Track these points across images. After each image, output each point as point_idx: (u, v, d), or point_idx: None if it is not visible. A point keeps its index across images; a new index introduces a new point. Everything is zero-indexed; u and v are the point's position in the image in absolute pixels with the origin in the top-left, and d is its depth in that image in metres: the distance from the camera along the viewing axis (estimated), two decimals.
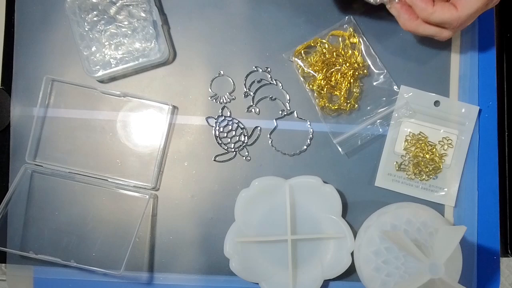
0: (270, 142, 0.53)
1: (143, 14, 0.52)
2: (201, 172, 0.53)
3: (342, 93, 0.52)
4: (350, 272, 0.51)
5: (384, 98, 0.53)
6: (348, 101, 0.52)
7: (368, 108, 0.53)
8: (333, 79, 0.52)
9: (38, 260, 0.51)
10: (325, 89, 0.52)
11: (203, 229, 0.53)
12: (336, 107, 0.52)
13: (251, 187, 0.51)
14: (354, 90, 0.52)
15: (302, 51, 0.53)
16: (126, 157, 0.53)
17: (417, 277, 0.43)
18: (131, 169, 0.53)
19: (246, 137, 0.53)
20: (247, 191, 0.51)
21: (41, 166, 0.52)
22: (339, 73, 0.52)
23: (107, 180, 0.52)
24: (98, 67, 0.52)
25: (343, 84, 0.52)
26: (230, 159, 0.53)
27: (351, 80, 0.52)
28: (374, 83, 0.53)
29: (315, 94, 0.52)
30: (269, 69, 0.53)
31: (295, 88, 0.53)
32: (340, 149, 0.52)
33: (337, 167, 0.53)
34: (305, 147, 0.53)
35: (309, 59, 0.53)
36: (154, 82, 0.54)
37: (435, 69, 0.53)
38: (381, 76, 0.53)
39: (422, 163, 0.52)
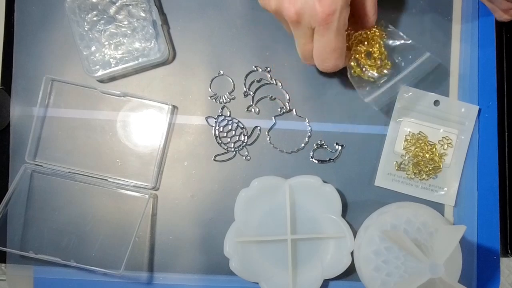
0: (268, 139, 0.53)
1: (142, 14, 0.52)
2: (201, 172, 0.53)
3: (376, 55, 0.50)
4: (350, 272, 0.51)
5: (410, 57, 0.52)
6: (380, 62, 0.51)
7: (397, 64, 0.52)
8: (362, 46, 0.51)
9: (38, 260, 0.51)
10: (360, 54, 0.51)
11: (203, 229, 0.53)
12: (371, 67, 0.50)
13: (251, 187, 0.51)
14: (381, 51, 0.51)
15: None
16: (126, 157, 0.53)
17: (417, 277, 0.43)
18: (131, 169, 0.53)
19: (246, 136, 0.53)
20: (247, 191, 0.51)
21: (41, 166, 0.52)
22: (367, 38, 0.51)
23: (107, 180, 0.52)
24: (98, 66, 0.52)
25: (375, 47, 0.51)
26: (230, 158, 0.53)
27: (379, 41, 0.51)
28: (397, 43, 0.52)
29: (351, 64, 0.51)
30: (268, 68, 0.53)
31: (295, 88, 0.53)
32: (374, 107, 0.52)
33: (337, 167, 0.53)
34: (302, 145, 0.53)
35: None
36: (154, 82, 0.54)
37: (435, 69, 0.53)
38: (402, 41, 0.52)
39: (422, 163, 0.52)
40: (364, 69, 0.50)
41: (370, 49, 0.50)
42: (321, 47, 0.45)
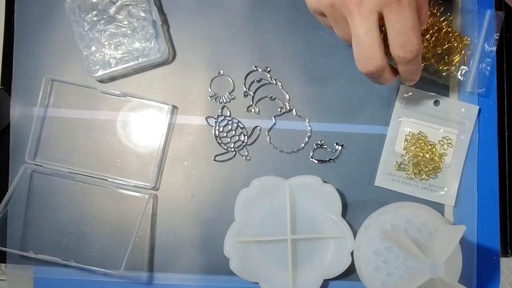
0: (268, 139, 0.53)
1: (142, 14, 0.52)
2: (201, 172, 0.53)
3: (458, 43, 0.52)
4: (350, 272, 0.51)
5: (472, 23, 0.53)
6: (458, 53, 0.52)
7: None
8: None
9: (38, 260, 0.51)
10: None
11: (203, 229, 0.53)
12: (458, 58, 0.52)
13: (251, 187, 0.51)
14: (458, 40, 0.52)
15: None
16: (126, 157, 0.53)
17: (417, 277, 0.43)
18: (131, 169, 0.53)
19: (245, 136, 0.53)
20: (247, 191, 0.51)
21: (41, 166, 0.52)
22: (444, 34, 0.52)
23: (107, 180, 0.52)
24: (98, 66, 0.52)
25: (454, 38, 0.52)
26: (230, 158, 0.53)
27: (454, 30, 0.52)
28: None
29: (445, 68, 0.52)
30: (268, 68, 0.53)
31: (295, 88, 0.53)
32: (478, 89, 0.53)
33: (337, 167, 0.53)
34: (302, 145, 0.53)
35: None
36: (154, 82, 0.54)
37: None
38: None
39: (422, 163, 0.52)
40: (453, 66, 0.52)
41: (450, 43, 0.51)
42: (399, 27, 0.40)
